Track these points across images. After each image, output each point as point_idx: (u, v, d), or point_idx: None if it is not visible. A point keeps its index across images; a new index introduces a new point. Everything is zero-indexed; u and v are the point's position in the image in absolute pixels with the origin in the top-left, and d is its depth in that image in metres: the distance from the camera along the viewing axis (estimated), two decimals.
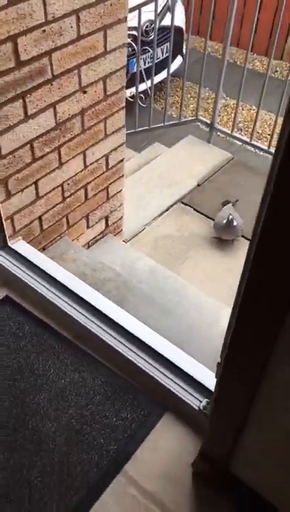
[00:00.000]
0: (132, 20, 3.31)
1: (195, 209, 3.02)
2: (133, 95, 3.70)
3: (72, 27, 1.78)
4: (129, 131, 2.89)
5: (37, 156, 1.98)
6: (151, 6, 3.37)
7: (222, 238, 2.86)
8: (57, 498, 1.47)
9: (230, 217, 2.75)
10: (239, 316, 1.05)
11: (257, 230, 0.87)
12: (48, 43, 1.75)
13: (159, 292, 2.31)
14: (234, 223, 2.75)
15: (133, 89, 3.70)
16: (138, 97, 3.62)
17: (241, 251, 2.78)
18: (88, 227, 2.52)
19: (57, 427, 1.61)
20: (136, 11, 3.21)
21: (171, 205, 3.04)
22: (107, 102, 2.14)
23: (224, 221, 2.76)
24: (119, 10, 1.90)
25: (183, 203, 3.06)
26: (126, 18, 1.95)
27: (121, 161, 2.45)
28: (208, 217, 2.97)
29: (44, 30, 1.70)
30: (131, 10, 3.05)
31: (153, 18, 3.76)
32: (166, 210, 3.01)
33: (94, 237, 2.61)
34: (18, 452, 1.56)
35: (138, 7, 3.12)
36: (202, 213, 2.99)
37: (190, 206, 3.04)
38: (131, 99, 3.84)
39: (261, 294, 0.97)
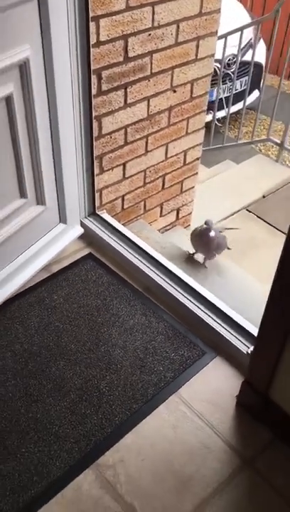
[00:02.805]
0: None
1: (258, 216, 3.30)
2: (211, 121, 4.11)
3: (172, 34, 2.17)
4: (203, 148, 3.24)
5: (128, 141, 2.35)
6: (234, 41, 3.80)
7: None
8: (120, 403, 1.75)
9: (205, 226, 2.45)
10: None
11: None
12: (151, 45, 2.13)
13: (217, 273, 2.59)
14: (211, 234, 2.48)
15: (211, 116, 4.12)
16: (216, 119, 4.02)
17: None
18: (161, 215, 2.86)
19: (124, 354, 1.91)
20: (220, 45, 3.63)
21: (236, 211, 3.34)
22: (192, 103, 2.50)
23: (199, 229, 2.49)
24: (212, 24, 2.28)
25: (247, 210, 3.35)
26: (217, 31, 2.33)
27: (197, 159, 2.79)
28: (270, 224, 3.24)
29: (149, 34, 2.10)
30: (219, 37, 3.47)
31: (235, 52, 4.20)
32: (231, 214, 3.31)
33: (165, 226, 2.94)
34: (92, 367, 1.86)
35: (225, 36, 3.52)
36: (265, 221, 3.27)
37: (254, 214, 3.33)
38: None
39: None
